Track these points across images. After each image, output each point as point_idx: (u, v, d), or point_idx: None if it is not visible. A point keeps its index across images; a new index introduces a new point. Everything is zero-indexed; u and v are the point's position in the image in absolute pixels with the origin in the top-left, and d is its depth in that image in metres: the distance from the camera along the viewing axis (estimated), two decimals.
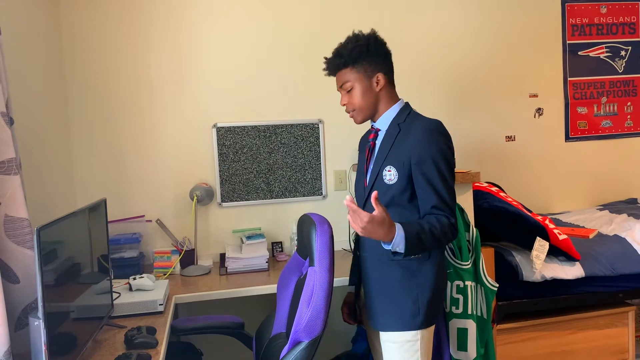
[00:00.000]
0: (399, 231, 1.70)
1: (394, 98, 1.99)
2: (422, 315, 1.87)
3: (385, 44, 1.98)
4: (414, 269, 1.88)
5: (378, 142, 1.98)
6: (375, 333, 2.02)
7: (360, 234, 1.66)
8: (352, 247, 3.04)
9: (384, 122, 1.97)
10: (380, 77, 1.93)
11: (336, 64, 1.96)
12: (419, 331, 1.88)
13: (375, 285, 1.96)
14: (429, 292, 1.88)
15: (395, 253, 1.75)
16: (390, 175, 1.88)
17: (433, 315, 1.91)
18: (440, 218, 1.79)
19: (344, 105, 2.00)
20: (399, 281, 1.89)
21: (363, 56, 1.91)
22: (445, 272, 2.01)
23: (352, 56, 1.91)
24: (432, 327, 1.95)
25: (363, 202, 2.00)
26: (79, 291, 1.76)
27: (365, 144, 2.05)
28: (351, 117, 2.02)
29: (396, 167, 1.86)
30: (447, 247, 2.27)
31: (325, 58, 2.01)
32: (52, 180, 2.54)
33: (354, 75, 1.93)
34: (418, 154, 1.82)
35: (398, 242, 1.71)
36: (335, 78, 2.01)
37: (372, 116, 2.00)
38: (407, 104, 2.01)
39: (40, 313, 1.38)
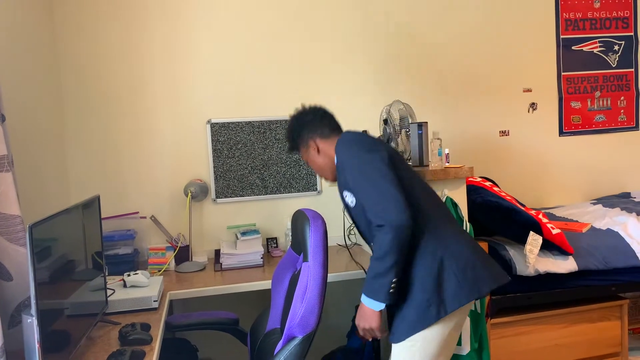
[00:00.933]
0: (362, 299, 1.80)
1: (334, 140, 2.08)
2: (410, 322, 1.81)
3: (306, 113, 2.16)
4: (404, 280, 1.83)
5: None
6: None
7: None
8: (347, 243, 3.06)
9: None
10: (313, 144, 2.12)
11: (289, 150, 2.25)
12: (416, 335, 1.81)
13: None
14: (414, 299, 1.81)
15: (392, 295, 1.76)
16: (348, 198, 1.97)
17: (415, 322, 1.81)
18: (375, 242, 1.76)
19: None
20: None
21: (296, 140, 2.16)
22: (434, 274, 1.81)
23: (291, 144, 2.20)
24: (435, 328, 1.82)
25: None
26: (73, 288, 1.75)
27: None
28: (323, 178, 2.22)
29: (347, 190, 1.96)
30: None
31: None
32: (45, 177, 2.53)
33: (302, 152, 2.19)
34: (342, 176, 1.96)
35: (369, 302, 1.78)
36: None
37: (333, 169, 2.09)
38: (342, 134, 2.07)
39: (33, 310, 1.38)
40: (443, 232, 1.87)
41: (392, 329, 1.87)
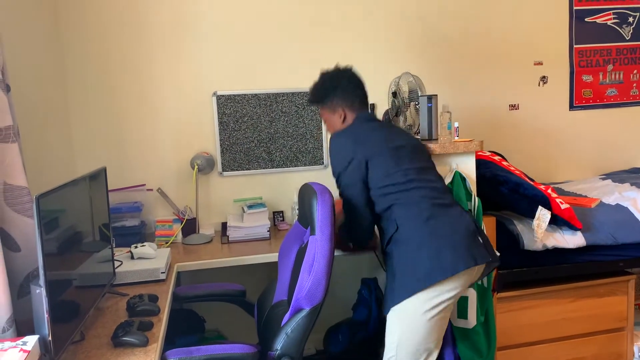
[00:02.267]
0: None
1: (356, 113, 2.23)
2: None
3: (345, 77, 2.22)
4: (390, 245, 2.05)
5: None
6: None
7: None
8: None
9: None
10: (341, 112, 2.21)
11: (310, 102, 2.33)
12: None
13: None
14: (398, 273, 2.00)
15: None
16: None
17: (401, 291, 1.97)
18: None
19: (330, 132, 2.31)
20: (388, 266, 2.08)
21: (323, 96, 2.23)
22: (414, 252, 1.97)
23: (315, 98, 2.28)
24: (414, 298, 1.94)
25: None
26: (81, 259, 1.76)
27: None
28: None
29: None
30: None
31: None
32: (51, 149, 2.52)
33: (323, 111, 2.27)
34: None
35: None
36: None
37: None
38: (353, 121, 2.21)
39: (41, 281, 1.38)
40: (424, 215, 1.98)
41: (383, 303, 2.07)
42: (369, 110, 2.36)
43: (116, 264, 2.18)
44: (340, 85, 2.21)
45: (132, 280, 2.16)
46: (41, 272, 1.38)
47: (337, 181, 2.14)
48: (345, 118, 2.22)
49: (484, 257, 1.96)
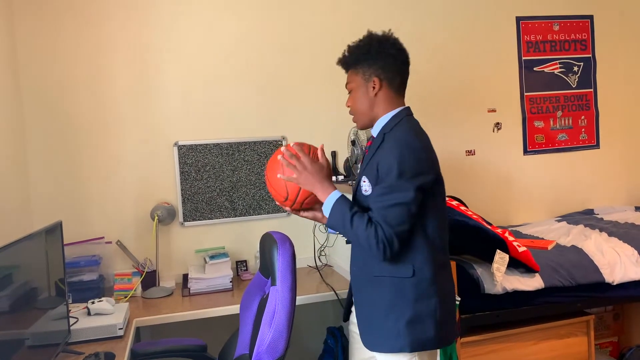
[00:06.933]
0: (335, 194, 1.78)
1: (393, 104, 1.89)
2: (405, 336, 1.75)
3: (394, 46, 1.88)
4: (397, 286, 1.79)
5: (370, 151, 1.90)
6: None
7: (295, 176, 1.79)
8: (317, 264, 3.04)
9: (376, 129, 1.90)
10: (377, 81, 1.85)
11: (342, 62, 1.94)
12: (413, 356, 1.78)
13: (363, 302, 1.89)
14: (411, 311, 1.76)
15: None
16: (365, 186, 1.82)
17: (423, 339, 1.77)
18: (376, 227, 1.71)
19: (348, 107, 1.96)
20: (382, 299, 1.80)
21: (362, 59, 1.87)
22: (436, 293, 1.79)
23: (352, 58, 1.90)
24: (433, 355, 1.85)
25: None
26: (35, 317, 1.71)
27: None
28: (354, 121, 1.97)
29: (369, 178, 1.81)
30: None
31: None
32: (7, 202, 2.46)
33: (354, 77, 1.90)
34: (382, 166, 1.76)
35: (327, 204, 1.77)
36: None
37: (371, 121, 1.91)
38: (402, 111, 1.90)
39: None
40: (443, 275, 1.84)
41: (364, 335, 1.86)
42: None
43: (72, 320, 2.12)
44: (385, 54, 1.85)
45: (88, 338, 2.09)
46: None
47: (396, 180, 1.72)
48: (376, 93, 1.86)
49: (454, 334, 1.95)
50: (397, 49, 1.88)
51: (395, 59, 1.87)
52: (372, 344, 1.84)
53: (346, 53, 1.92)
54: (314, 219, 1.95)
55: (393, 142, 1.78)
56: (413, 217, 1.74)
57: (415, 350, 1.76)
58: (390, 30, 1.91)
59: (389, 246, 1.70)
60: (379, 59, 1.85)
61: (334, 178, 2.96)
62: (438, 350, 1.91)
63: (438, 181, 1.83)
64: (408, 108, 1.93)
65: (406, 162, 1.72)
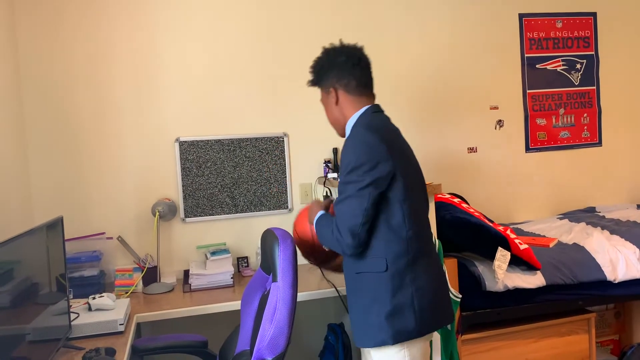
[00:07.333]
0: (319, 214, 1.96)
1: (356, 106, 1.95)
2: (387, 329, 1.78)
3: (343, 53, 1.97)
4: (375, 281, 1.82)
5: None
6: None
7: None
8: None
9: (347, 131, 1.97)
10: (333, 91, 1.96)
11: (310, 83, 2.06)
12: (401, 348, 1.81)
13: (351, 300, 1.94)
14: (389, 304, 1.79)
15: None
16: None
17: (404, 330, 1.79)
18: (333, 226, 1.82)
19: None
20: (365, 295, 1.85)
21: (320, 75, 2.00)
22: (412, 284, 1.82)
23: (313, 77, 2.03)
24: (420, 345, 1.85)
25: None
26: (36, 312, 1.71)
27: None
28: (336, 132, 2.08)
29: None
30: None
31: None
32: (8, 198, 2.46)
33: (321, 93, 2.04)
34: (340, 164, 1.86)
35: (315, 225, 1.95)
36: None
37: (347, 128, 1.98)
38: (367, 110, 1.95)
39: None
40: (420, 265, 1.85)
41: (353, 332, 1.93)
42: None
43: (73, 316, 2.12)
44: (336, 63, 1.94)
45: (89, 333, 2.09)
46: None
47: (345, 176, 1.80)
48: (337, 101, 1.95)
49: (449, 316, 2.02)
50: (346, 55, 1.96)
51: (346, 64, 1.94)
52: (359, 340, 1.89)
53: (311, 72, 2.04)
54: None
55: (347, 141, 1.87)
56: (367, 210, 1.77)
57: (397, 342, 1.80)
58: (340, 39, 2.02)
59: (345, 240, 1.78)
60: (331, 70, 1.96)
61: (334, 175, 2.97)
62: (429, 340, 1.93)
63: (400, 172, 1.82)
64: (374, 105, 1.99)
65: (357, 157, 1.78)
